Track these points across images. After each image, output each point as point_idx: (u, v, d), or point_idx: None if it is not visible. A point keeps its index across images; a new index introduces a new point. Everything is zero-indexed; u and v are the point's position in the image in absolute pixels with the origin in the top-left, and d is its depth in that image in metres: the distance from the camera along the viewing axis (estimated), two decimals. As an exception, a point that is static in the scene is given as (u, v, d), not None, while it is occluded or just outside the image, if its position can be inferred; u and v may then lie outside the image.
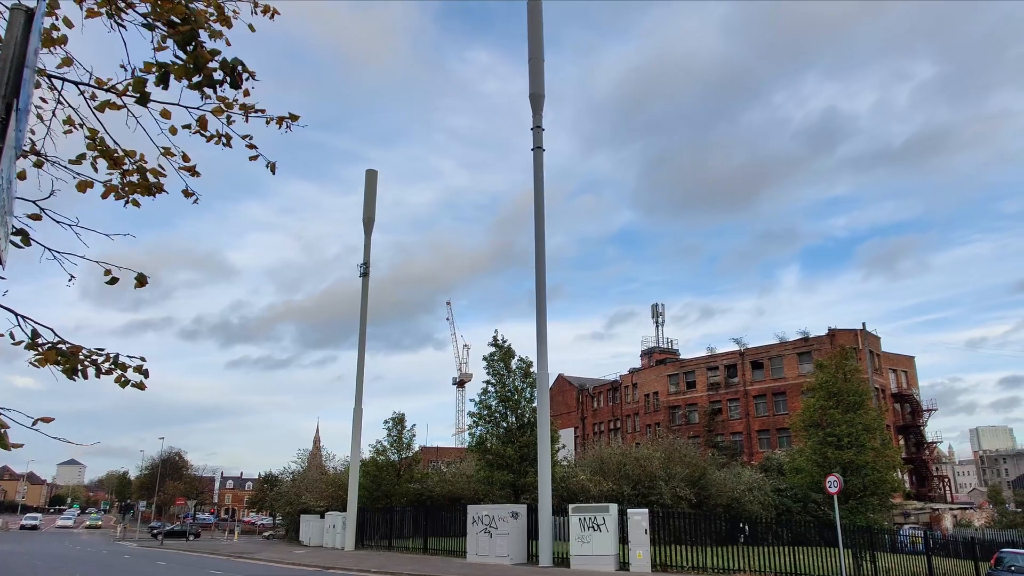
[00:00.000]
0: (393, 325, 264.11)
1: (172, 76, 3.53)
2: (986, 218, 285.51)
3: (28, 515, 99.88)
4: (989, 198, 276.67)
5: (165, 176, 4.11)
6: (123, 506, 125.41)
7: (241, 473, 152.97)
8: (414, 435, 43.44)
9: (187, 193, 4.24)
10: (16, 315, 3.60)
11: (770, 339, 73.90)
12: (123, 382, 3.94)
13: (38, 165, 3.88)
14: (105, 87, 3.74)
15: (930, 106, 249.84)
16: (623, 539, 23.86)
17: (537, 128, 27.72)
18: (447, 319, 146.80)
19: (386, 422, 42.77)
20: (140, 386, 4.05)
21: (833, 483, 22.19)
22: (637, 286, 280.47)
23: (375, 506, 39.37)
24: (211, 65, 3.61)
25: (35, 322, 3.65)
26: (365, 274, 39.45)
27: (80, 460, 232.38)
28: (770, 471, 47.10)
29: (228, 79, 3.66)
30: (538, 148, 27.47)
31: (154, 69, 3.55)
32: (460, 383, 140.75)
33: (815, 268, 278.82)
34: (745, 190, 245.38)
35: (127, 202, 4.12)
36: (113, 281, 4.01)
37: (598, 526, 23.35)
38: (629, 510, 24.14)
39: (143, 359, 4.03)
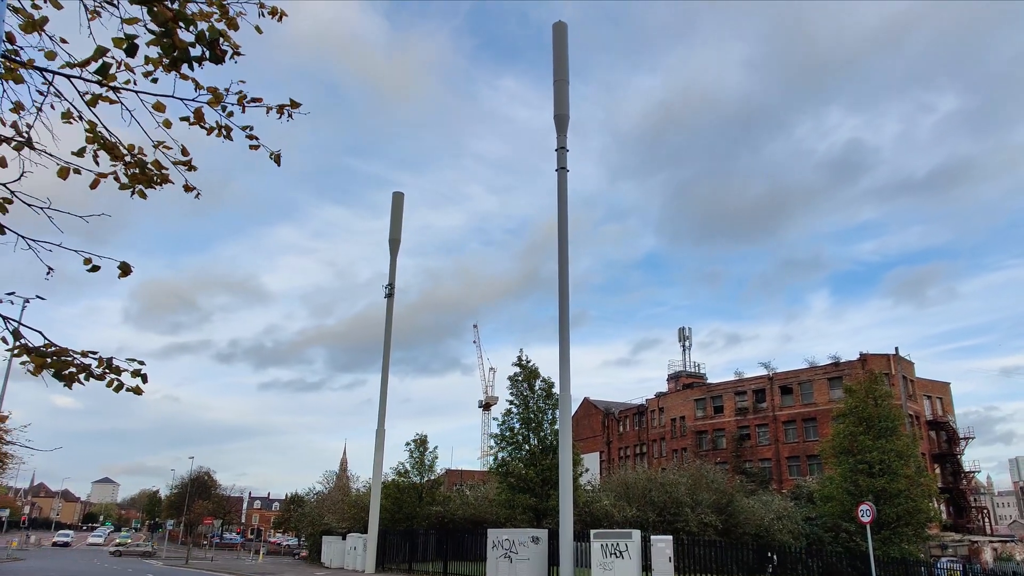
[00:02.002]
0: (421, 349, 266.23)
1: (164, 51, 3.41)
2: (1020, 242, 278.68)
3: (60, 532, 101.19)
4: (1021, 222, 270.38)
5: (166, 169, 4.07)
6: (152, 525, 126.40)
7: (269, 493, 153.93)
8: (436, 457, 43.18)
9: (187, 188, 4.18)
10: (2, 316, 3.56)
11: (799, 364, 72.44)
12: (116, 386, 3.84)
13: (18, 148, 3.85)
14: (72, 66, 3.68)
15: (953, 138, 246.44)
16: (646, 566, 23.27)
17: (561, 149, 27.68)
18: (474, 342, 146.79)
19: (408, 444, 42.63)
20: (137, 390, 3.93)
21: (866, 512, 21.42)
22: (663, 310, 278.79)
23: (396, 528, 39.07)
24: (185, 37, 3.51)
25: (19, 323, 3.59)
26: (390, 295, 39.61)
27: (114, 478, 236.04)
28: (800, 499, 45.80)
29: (208, 54, 3.56)
30: (562, 169, 27.42)
31: (124, 44, 3.46)
32: (486, 406, 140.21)
33: (842, 294, 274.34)
34: (768, 218, 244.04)
35: (133, 192, 4.08)
36: (94, 269, 3.92)
37: (620, 552, 22.79)
38: (652, 536, 23.57)
39: (142, 363, 3.89)
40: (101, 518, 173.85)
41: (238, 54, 3.78)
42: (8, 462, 36.78)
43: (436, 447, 43.12)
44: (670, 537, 23.25)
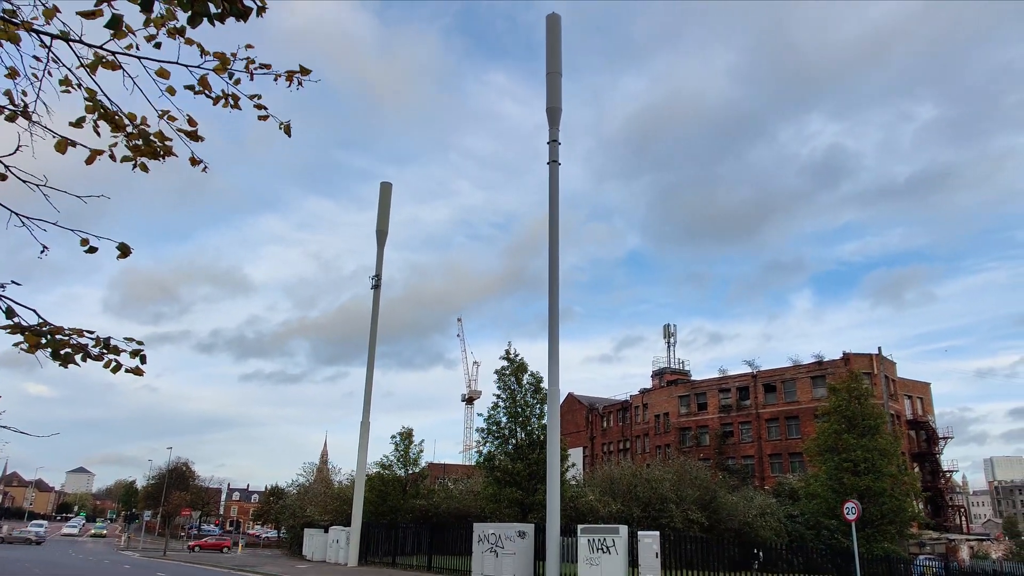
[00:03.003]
0: (405, 343, 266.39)
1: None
2: (1001, 247, 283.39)
3: (34, 522, 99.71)
4: (1001, 227, 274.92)
5: (170, 141, 3.80)
6: (128, 515, 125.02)
7: (248, 485, 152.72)
8: (421, 451, 42.96)
9: (194, 161, 3.91)
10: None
11: (782, 363, 73.03)
12: (114, 367, 3.59)
13: (10, 119, 3.57)
14: (71, 40, 3.37)
15: (934, 146, 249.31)
16: (633, 562, 23.22)
17: (553, 142, 27.49)
18: (458, 335, 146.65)
19: (393, 437, 42.35)
20: (137, 372, 3.69)
21: (851, 510, 21.51)
22: (648, 307, 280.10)
23: (380, 521, 38.81)
24: None
25: (12, 300, 3.33)
26: (376, 286, 39.26)
27: (89, 468, 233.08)
28: (782, 496, 46.11)
29: (230, 7, 3.29)
30: (554, 162, 27.23)
31: None
32: (469, 400, 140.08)
33: (823, 296, 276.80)
34: (751, 222, 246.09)
35: (135, 166, 3.81)
36: (92, 250, 3.66)
37: (607, 548, 22.72)
38: (640, 532, 23.52)
39: (141, 343, 3.66)
40: (76, 508, 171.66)
41: (264, 9, 3.49)
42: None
43: (422, 440, 42.93)
44: (657, 533, 23.20)
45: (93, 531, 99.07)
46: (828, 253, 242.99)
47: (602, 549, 22.73)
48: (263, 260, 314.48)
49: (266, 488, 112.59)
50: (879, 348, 66.94)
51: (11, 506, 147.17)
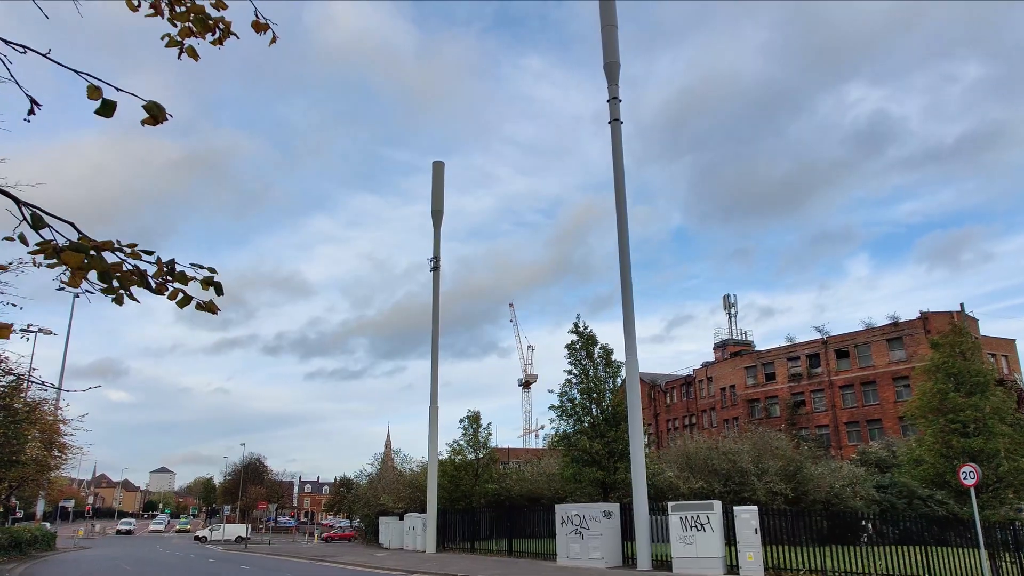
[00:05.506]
0: (458, 334, 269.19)
1: None
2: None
3: (123, 520, 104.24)
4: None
5: (226, 8, 2.73)
6: (209, 511, 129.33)
7: (318, 477, 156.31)
8: (490, 434, 42.36)
9: (258, 26, 2.83)
10: (18, 202, 2.33)
11: (843, 330, 69.80)
12: (182, 300, 2.59)
13: None
14: None
15: (982, 105, 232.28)
16: (729, 540, 21.93)
17: (614, 99, 26.10)
18: (511, 321, 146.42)
19: (462, 421, 41.82)
20: (211, 308, 2.68)
21: (969, 474, 19.65)
22: (696, 283, 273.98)
23: (454, 507, 38.38)
24: None
25: (40, 210, 2.34)
26: (436, 268, 38.58)
27: (170, 468, 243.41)
28: (868, 465, 43.89)
29: None
30: (615, 120, 25.87)
31: None
32: (525, 384, 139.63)
33: (877, 261, 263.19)
34: (795, 194, 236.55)
35: (181, 51, 2.79)
36: (107, 109, 2.55)
37: (702, 525, 21.45)
38: (736, 508, 22.15)
39: (213, 270, 2.68)
40: (160, 506, 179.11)
41: None
42: (68, 453, 36.92)
43: (490, 423, 42.33)
44: (755, 508, 21.78)
45: (178, 527, 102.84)
46: (877, 219, 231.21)
47: (696, 527, 21.49)
48: (318, 260, 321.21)
49: (335, 479, 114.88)
50: (961, 305, 63.28)
51: (101, 506, 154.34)
